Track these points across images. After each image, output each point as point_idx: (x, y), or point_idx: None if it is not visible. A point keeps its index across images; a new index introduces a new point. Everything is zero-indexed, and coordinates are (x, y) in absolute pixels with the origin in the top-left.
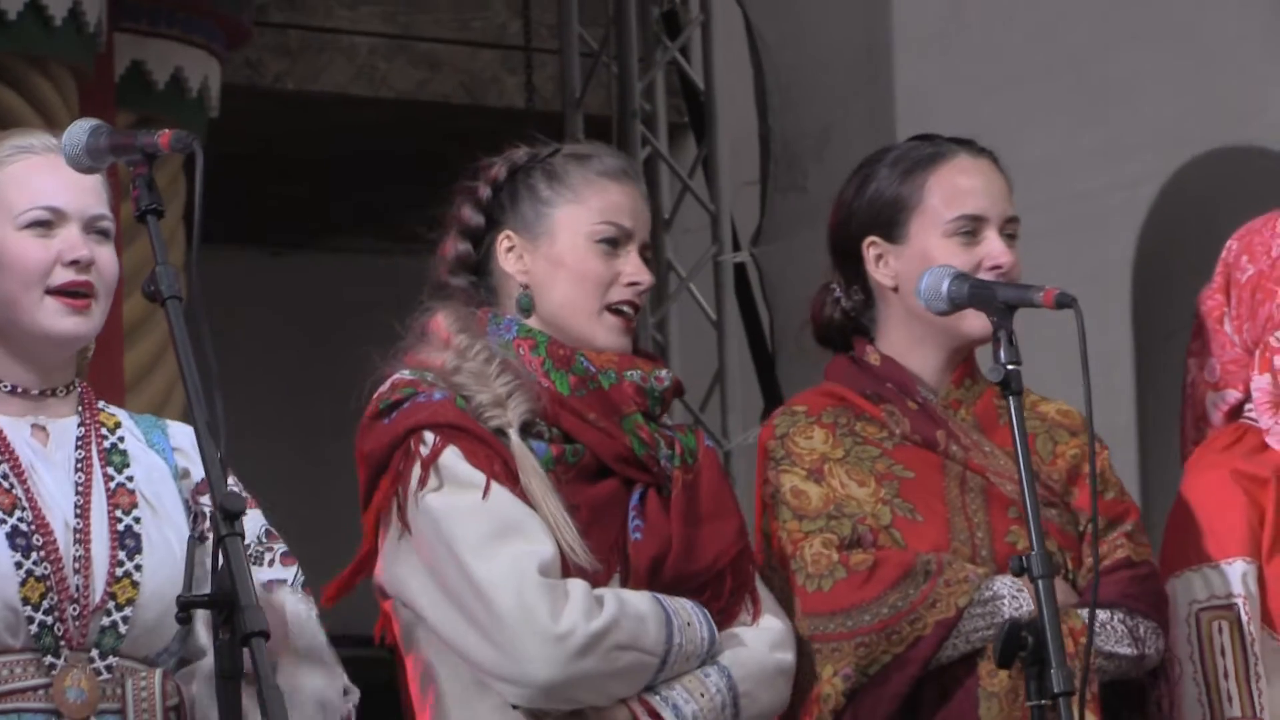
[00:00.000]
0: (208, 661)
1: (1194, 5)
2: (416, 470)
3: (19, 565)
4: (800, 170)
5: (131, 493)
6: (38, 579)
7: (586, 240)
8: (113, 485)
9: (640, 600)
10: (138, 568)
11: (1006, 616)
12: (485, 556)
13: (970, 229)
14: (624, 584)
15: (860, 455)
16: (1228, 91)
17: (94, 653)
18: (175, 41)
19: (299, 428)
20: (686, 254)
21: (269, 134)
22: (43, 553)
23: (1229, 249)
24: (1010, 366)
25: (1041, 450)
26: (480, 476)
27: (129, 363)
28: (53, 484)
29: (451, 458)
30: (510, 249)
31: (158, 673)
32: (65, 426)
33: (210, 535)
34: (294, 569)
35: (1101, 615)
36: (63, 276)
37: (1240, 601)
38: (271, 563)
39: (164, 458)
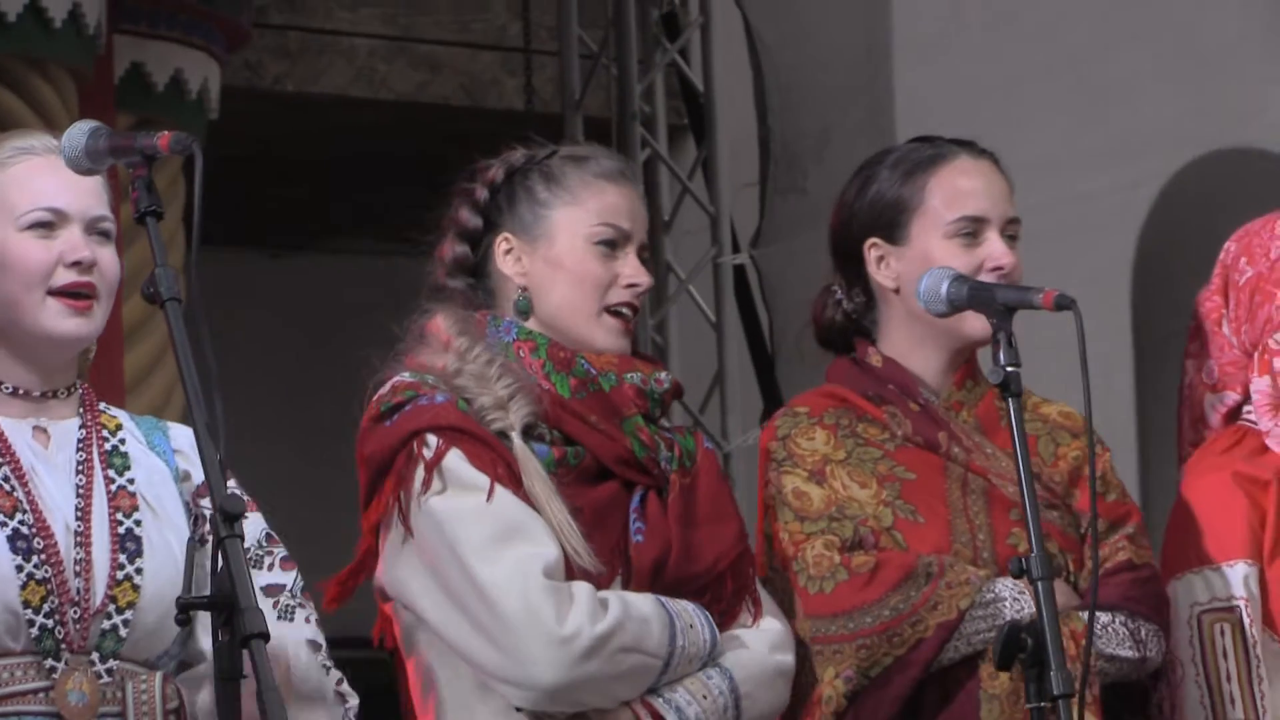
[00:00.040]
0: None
1: (1194, 6)
2: (420, 473)
3: (20, 568)
4: (800, 172)
5: (132, 495)
6: (38, 582)
7: (585, 242)
8: (114, 488)
9: (644, 603)
10: (138, 571)
11: (1008, 619)
12: (489, 559)
13: (971, 230)
14: (625, 586)
15: (862, 457)
16: (1227, 93)
17: (94, 656)
18: (175, 43)
19: (299, 429)
20: (686, 256)
21: (269, 136)
22: (44, 556)
23: (1227, 251)
24: (1010, 368)
25: (1043, 452)
26: (484, 479)
27: (129, 364)
28: (54, 486)
29: (455, 460)
30: (508, 251)
31: (158, 675)
32: (67, 428)
33: (210, 538)
34: (293, 573)
35: (1103, 618)
36: (65, 277)
37: (1242, 604)
38: (271, 567)
39: (165, 460)
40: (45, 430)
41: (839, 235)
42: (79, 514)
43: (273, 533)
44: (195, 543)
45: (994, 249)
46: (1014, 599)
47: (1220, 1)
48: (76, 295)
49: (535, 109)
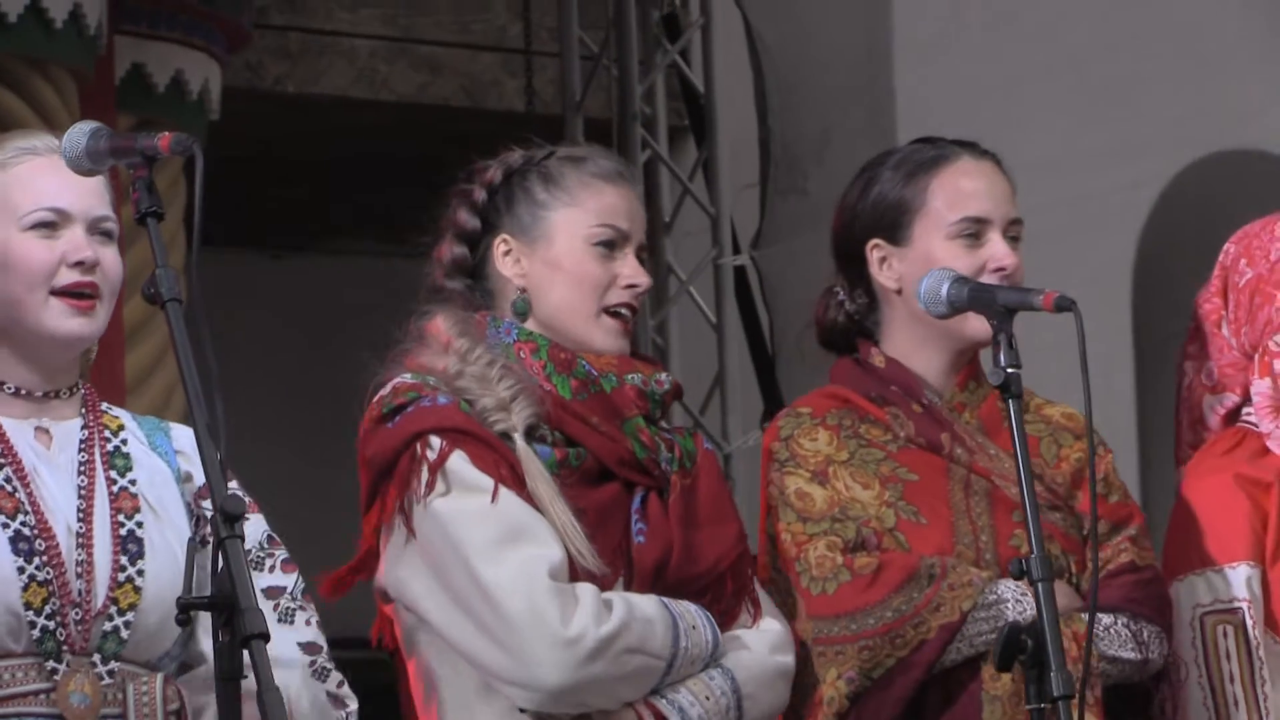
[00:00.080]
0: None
1: (1194, 7)
2: (424, 475)
3: (21, 570)
4: (800, 173)
5: (134, 497)
6: (40, 584)
7: (584, 243)
8: (115, 489)
9: (647, 604)
10: (140, 573)
11: (1010, 620)
12: (494, 561)
13: (974, 231)
14: (628, 587)
15: (865, 458)
16: (1228, 94)
17: (96, 657)
18: (176, 44)
19: (299, 430)
20: (686, 257)
21: (269, 137)
22: (45, 557)
23: (1226, 252)
24: (1010, 370)
25: (1046, 454)
26: (488, 481)
27: (129, 365)
28: (55, 488)
29: (459, 462)
30: (507, 253)
31: (159, 677)
32: (69, 429)
33: (211, 539)
34: (294, 576)
35: (1105, 619)
36: (68, 277)
37: (1245, 605)
38: (273, 569)
39: (166, 461)
40: (47, 431)
41: (841, 236)
42: (81, 515)
43: (274, 535)
44: (196, 543)
45: (996, 250)
46: (1016, 600)
47: (1221, 3)
48: (79, 295)
49: (536, 110)
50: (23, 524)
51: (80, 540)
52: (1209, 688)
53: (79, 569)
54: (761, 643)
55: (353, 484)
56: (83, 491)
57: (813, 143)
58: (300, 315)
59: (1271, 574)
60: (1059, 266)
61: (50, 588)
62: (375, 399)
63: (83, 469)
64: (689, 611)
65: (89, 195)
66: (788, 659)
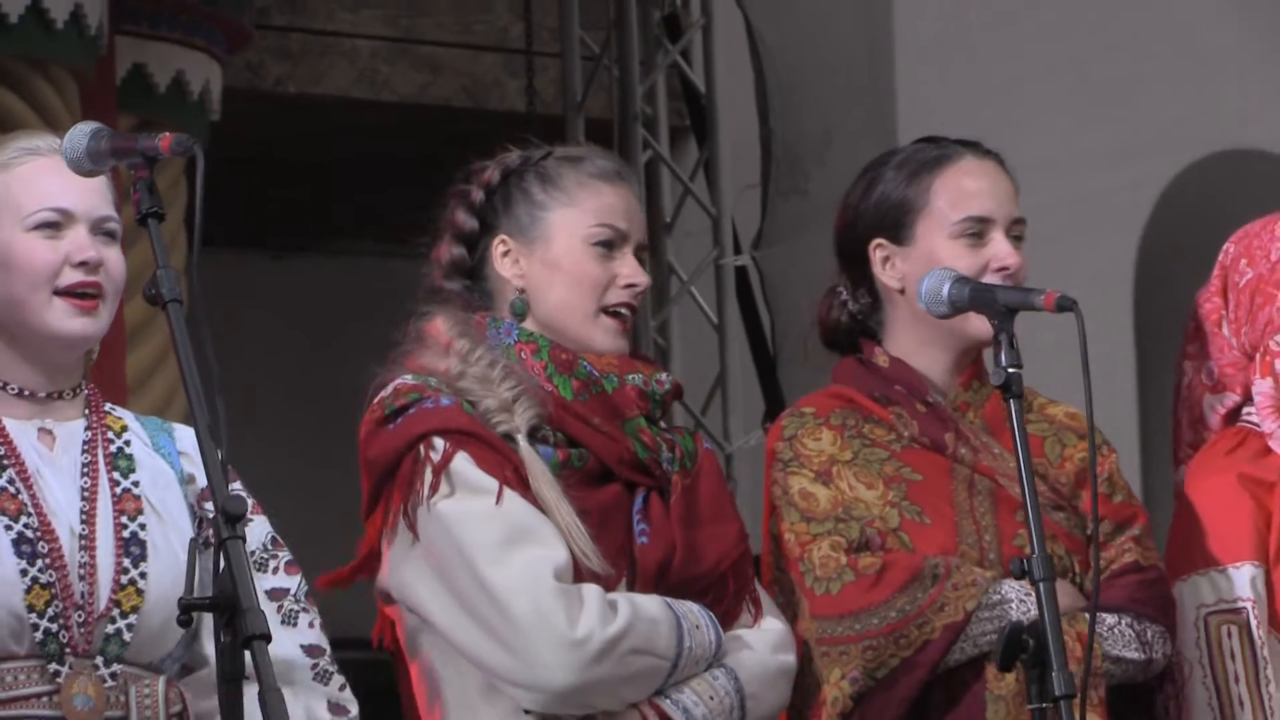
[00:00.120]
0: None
1: (1195, 8)
2: (428, 476)
3: (24, 572)
4: (802, 173)
5: (137, 498)
6: (43, 586)
7: (582, 243)
8: (118, 491)
9: (652, 605)
10: (142, 575)
11: (1014, 620)
12: (499, 562)
13: (977, 231)
14: (631, 588)
15: (868, 457)
16: (1228, 95)
17: (98, 659)
18: (177, 44)
19: (300, 431)
20: (688, 257)
21: (270, 137)
22: (48, 559)
23: (1226, 252)
24: (1011, 370)
25: (1049, 453)
26: (492, 482)
27: (131, 366)
28: (58, 489)
29: (463, 463)
30: (506, 253)
31: (161, 679)
32: (72, 430)
33: (213, 540)
34: (298, 578)
35: (1109, 619)
36: (71, 277)
37: (1249, 606)
38: (276, 570)
39: (169, 462)
40: (50, 432)
41: (844, 236)
42: (83, 517)
43: (278, 536)
44: (198, 545)
45: (999, 249)
46: (1020, 600)
47: (1221, 3)
48: (83, 295)
49: (537, 110)
50: (26, 526)
51: (83, 542)
52: (1214, 688)
53: (82, 571)
54: (763, 642)
55: (354, 485)
56: (86, 493)
57: (814, 143)
58: (301, 316)
59: (1275, 574)
60: (1059, 267)
61: (53, 590)
62: (376, 400)
63: (86, 470)
64: (692, 611)
65: (92, 195)
66: (789, 658)
